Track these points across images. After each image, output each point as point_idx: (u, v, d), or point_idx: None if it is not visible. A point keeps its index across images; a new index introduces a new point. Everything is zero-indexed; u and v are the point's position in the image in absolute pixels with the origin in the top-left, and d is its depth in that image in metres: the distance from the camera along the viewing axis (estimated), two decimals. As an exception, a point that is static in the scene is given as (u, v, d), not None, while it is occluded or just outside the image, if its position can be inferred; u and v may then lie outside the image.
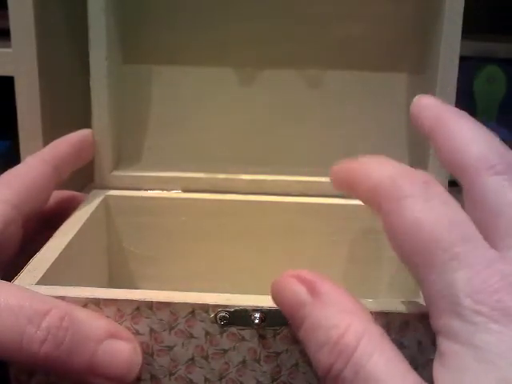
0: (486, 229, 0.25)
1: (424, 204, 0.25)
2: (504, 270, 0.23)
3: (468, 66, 0.67)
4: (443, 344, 0.23)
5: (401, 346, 0.28)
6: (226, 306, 0.28)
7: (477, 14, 0.72)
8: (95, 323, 0.27)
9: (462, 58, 0.70)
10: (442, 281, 0.23)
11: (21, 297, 0.27)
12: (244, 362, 0.28)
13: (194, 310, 0.28)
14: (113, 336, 0.27)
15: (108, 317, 0.28)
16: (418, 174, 0.26)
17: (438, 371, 0.23)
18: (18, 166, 0.36)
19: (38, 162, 0.37)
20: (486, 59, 0.67)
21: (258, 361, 0.28)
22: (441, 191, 0.25)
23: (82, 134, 0.41)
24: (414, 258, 0.24)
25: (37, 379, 0.29)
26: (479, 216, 0.25)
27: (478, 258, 0.23)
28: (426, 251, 0.24)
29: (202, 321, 0.28)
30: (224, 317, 0.28)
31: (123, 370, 0.27)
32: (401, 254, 0.26)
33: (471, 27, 0.73)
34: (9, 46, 0.53)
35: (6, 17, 0.52)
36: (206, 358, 0.28)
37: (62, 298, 0.28)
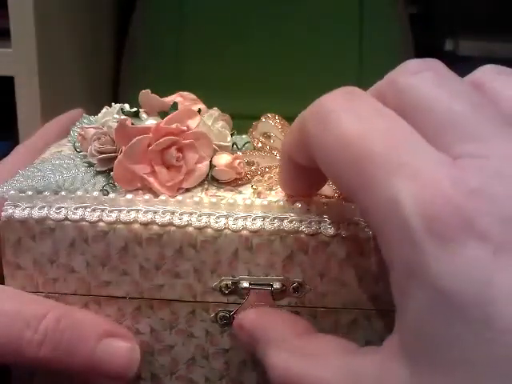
0: (429, 134, 0.20)
1: (348, 116, 0.21)
2: (455, 173, 0.18)
3: (468, 66, 0.67)
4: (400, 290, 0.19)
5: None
6: (227, 306, 0.28)
7: (477, 14, 0.72)
8: (92, 323, 0.27)
9: (462, 58, 0.70)
10: (383, 201, 0.19)
11: (17, 301, 0.27)
12: (244, 361, 0.28)
13: (195, 309, 0.28)
14: (111, 335, 0.27)
15: (108, 315, 0.28)
16: (342, 88, 0.22)
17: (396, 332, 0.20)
18: (10, 156, 0.36)
19: (30, 151, 0.36)
20: (486, 59, 0.67)
21: (258, 361, 0.28)
22: (368, 100, 0.22)
23: (72, 114, 0.40)
24: (350, 180, 0.20)
25: (38, 379, 0.29)
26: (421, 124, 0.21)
27: (422, 164, 0.19)
28: (360, 169, 0.20)
29: (202, 320, 0.28)
30: (224, 316, 0.28)
31: (122, 368, 0.27)
32: (334, 180, 0.22)
33: (471, 27, 0.73)
34: (9, 46, 0.53)
35: (6, 17, 0.52)
36: (206, 357, 0.28)
37: (63, 296, 0.28)
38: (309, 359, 0.23)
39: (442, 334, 0.18)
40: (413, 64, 0.22)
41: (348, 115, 0.21)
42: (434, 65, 0.22)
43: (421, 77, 0.21)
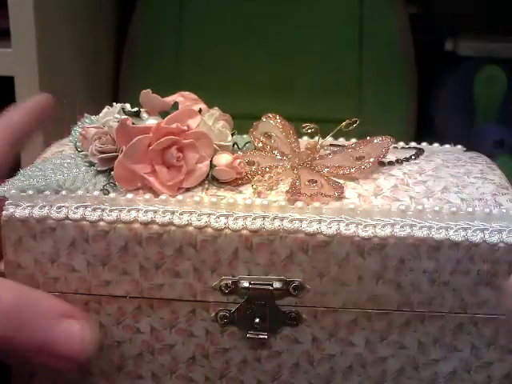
0: None
1: None
2: None
3: (468, 66, 0.67)
4: None
5: (401, 345, 0.28)
6: (227, 305, 0.28)
7: (477, 14, 0.72)
8: (48, 303, 0.27)
9: (462, 58, 0.70)
10: None
11: None
12: (245, 361, 0.28)
13: (195, 308, 0.28)
14: (67, 316, 0.27)
15: (109, 314, 0.28)
16: None
17: None
18: None
19: None
20: (486, 59, 0.67)
21: (258, 360, 0.28)
22: None
23: (39, 98, 0.39)
24: None
25: (38, 379, 0.29)
26: None
27: None
28: None
29: (202, 320, 0.28)
30: (225, 316, 0.28)
31: (75, 349, 0.26)
32: None
33: (471, 27, 0.73)
34: (9, 46, 0.53)
35: (6, 17, 0.52)
36: (206, 356, 0.28)
37: (64, 295, 0.28)
38: None
39: None
40: None
41: None
42: None
43: None
